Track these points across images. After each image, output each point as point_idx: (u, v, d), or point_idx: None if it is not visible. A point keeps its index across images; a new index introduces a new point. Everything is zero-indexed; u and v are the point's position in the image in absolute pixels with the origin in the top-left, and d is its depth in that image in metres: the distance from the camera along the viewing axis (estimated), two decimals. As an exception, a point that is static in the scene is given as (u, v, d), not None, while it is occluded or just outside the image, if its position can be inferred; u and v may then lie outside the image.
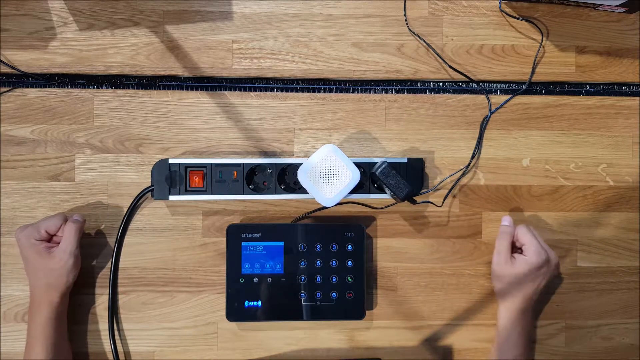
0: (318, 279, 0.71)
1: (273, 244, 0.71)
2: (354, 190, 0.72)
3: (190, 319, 0.74)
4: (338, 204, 0.70)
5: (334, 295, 0.71)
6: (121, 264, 0.73)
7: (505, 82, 0.77)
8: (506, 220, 0.72)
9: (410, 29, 0.75)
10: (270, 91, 0.75)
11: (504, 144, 0.76)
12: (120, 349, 0.73)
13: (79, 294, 0.72)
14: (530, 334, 0.74)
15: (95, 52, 0.74)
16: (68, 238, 0.67)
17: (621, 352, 0.77)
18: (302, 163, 0.69)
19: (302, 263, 0.71)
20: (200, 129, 0.74)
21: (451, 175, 0.76)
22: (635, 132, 0.77)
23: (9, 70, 0.73)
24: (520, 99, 0.77)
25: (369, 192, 0.73)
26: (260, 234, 0.71)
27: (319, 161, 0.69)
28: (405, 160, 0.74)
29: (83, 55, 0.73)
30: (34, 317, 0.67)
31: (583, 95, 0.77)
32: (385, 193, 0.72)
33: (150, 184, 0.73)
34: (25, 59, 0.73)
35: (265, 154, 0.75)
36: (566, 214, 0.76)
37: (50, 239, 0.69)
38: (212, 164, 0.72)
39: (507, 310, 0.70)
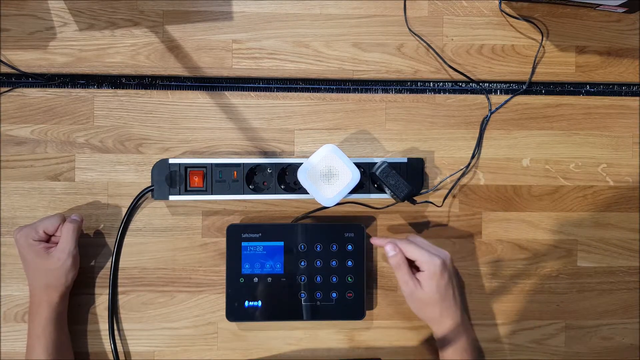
0: (318, 279, 0.71)
1: (273, 244, 0.71)
2: (354, 190, 0.72)
3: (190, 319, 0.74)
4: (338, 204, 0.70)
5: (334, 295, 0.71)
6: (121, 264, 0.73)
7: (505, 82, 0.77)
8: (390, 249, 0.67)
9: (410, 29, 0.75)
10: (270, 91, 0.75)
11: (504, 144, 0.76)
12: (120, 349, 0.73)
13: (79, 294, 0.72)
14: (475, 342, 0.74)
15: (95, 52, 0.74)
16: (66, 238, 0.67)
17: (621, 352, 0.77)
18: (302, 163, 0.69)
19: (302, 263, 0.71)
20: (200, 129, 0.74)
21: (451, 175, 0.76)
22: (635, 132, 0.77)
23: (9, 70, 0.73)
24: (520, 99, 0.77)
25: (369, 192, 0.73)
26: (260, 234, 0.71)
27: (319, 161, 0.69)
28: (405, 160, 0.74)
29: (83, 55, 0.73)
30: (34, 317, 0.67)
31: (583, 95, 0.77)
32: (385, 193, 0.72)
33: (150, 184, 0.73)
34: (25, 59, 0.73)
35: (265, 154, 0.75)
36: (566, 214, 0.76)
37: (48, 239, 0.69)
38: (212, 164, 0.72)
39: (442, 331, 0.68)
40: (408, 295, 0.68)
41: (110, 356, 0.72)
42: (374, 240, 0.71)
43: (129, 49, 0.74)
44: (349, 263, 0.72)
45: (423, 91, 0.76)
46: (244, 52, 0.75)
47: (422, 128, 0.76)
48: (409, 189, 0.70)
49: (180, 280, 0.74)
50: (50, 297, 0.67)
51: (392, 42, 0.75)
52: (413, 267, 0.68)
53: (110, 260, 0.73)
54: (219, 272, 0.74)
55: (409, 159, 0.74)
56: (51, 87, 0.73)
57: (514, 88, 0.77)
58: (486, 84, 0.77)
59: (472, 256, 0.76)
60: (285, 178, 0.73)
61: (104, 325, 0.73)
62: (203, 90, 0.75)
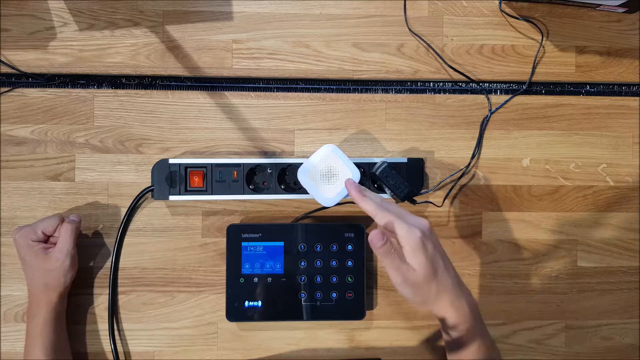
0: (318, 279, 0.71)
1: (273, 244, 0.71)
2: (354, 190, 0.72)
3: (190, 319, 0.74)
4: (338, 204, 0.70)
5: (334, 295, 0.71)
6: (121, 264, 0.73)
7: (505, 82, 0.77)
8: (376, 239, 0.56)
9: (410, 29, 0.75)
10: (270, 91, 0.75)
11: (504, 144, 0.76)
12: (120, 349, 0.73)
13: (78, 294, 0.72)
14: (476, 308, 0.62)
15: (95, 52, 0.74)
16: (64, 238, 0.67)
17: (621, 352, 0.77)
18: (302, 163, 0.69)
19: (302, 263, 0.71)
20: (200, 129, 0.74)
21: (451, 175, 0.76)
22: (635, 132, 0.77)
23: (9, 70, 0.73)
24: (520, 99, 0.77)
25: (369, 192, 0.73)
26: (260, 234, 0.71)
27: (319, 161, 0.69)
28: (405, 160, 0.74)
29: (83, 55, 0.73)
30: (33, 317, 0.67)
31: (583, 95, 0.77)
32: (385, 193, 0.72)
33: (150, 184, 0.73)
34: (25, 59, 0.73)
35: (265, 154, 0.75)
36: (566, 214, 0.76)
37: (47, 239, 0.68)
38: (212, 164, 0.72)
39: (445, 306, 0.59)
40: (401, 282, 0.58)
41: (110, 356, 0.72)
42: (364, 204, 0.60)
43: (129, 49, 0.74)
44: (349, 263, 0.72)
45: (423, 91, 0.76)
46: (244, 52, 0.75)
47: (422, 128, 0.76)
48: (409, 189, 0.70)
49: (180, 280, 0.74)
50: (49, 297, 0.67)
51: (392, 42, 0.75)
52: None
53: (110, 260, 0.73)
54: (219, 272, 0.74)
55: (409, 159, 0.74)
56: (51, 87, 0.73)
57: (514, 88, 0.77)
58: (486, 84, 0.77)
59: (472, 256, 0.76)
60: (285, 178, 0.73)
61: (103, 325, 0.73)
62: (203, 90, 0.75)
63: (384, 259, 0.58)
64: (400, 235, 0.58)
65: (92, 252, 0.73)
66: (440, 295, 0.59)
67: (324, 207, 0.73)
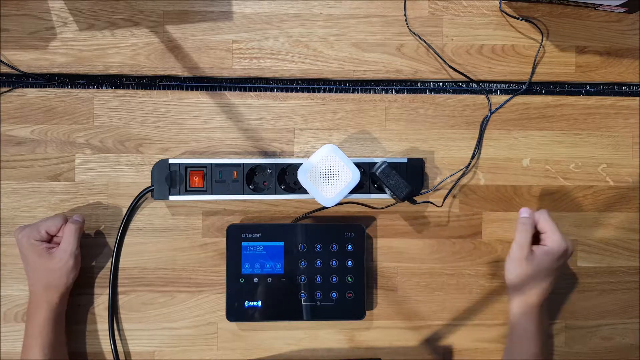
0: (318, 279, 0.71)
1: (273, 244, 0.71)
2: (354, 190, 0.72)
3: (190, 319, 0.74)
4: (338, 204, 0.70)
5: (334, 295, 0.71)
6: (121, 264, 0.73)
7: (505, 82, 0.77)
8: (525, 212, 0.68)
9: (410, 29, 0.75)
10: (270, 91, 0.75)
11: (504, 144, 0.76)
12: (120, 349, 0.73)
13: (78, 294, 0.72)
14: (546, 329, 0.73)
15: (95, 52, 0.74)
16: (68, 238, 0.67)
17: (621, 352, 0.77)
18: (302, 163, 0.69)
19: (302, 263, 0.71)
20: (200, 129, 0.74)
21: (451, 175, 0.76)
22: (635, 132, 0.77)
23: (9, 70, 0.73)
24: (520, 99, 0.77)
25: (369, 192, 0.73)
26: (260, 234, 0.71)
27: (319, 161, 0.69)
28: (405, 160, 0.74)
29: (83, 55, 0.73)
30: (33, 317, 0.67)
31: (583, 95, 0.77)
32: (385, 193, 0.72)
33: (150, 184, 0.73)
34: (25, 59, 0.73)
35: (265, 154, 0.75)
36: (566, 214, 0.76)
37: (50, 239, 0.69)
38: (212, 164, 0.72)
39: (520, 307, 0.68)
40: (514, 259, 0.67)
41: (110, 356, 0.72)
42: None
43: (129, 49, 0.74)
44: (349, 263, 0.72)
45: (423, 91, 0.76)
46: (244, 52, 0.75)
47: (422, 128, 0.76)
48: (409, 189, 0.70)
49: (180, 280, 0.74)
50: (50, 297, 0.67)
51: (392, 42, 0.75)
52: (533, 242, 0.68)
53: (110, 260, 0.73)
54: (219, 272, 0.74)
55: (409, 159, 0.74)
56: (51, 87, 0.73)
57: (514, 88, 0.77)
58: (486, 84, 0.77)
59: (472, 256, 0.76)
60: (285, 178, 0.73)
61: (104, 326, 0.73)
62: (203, 90, 0.75)
63: (519, 230, 0.67)
64: (552, 237, 0.66)
65: (92, 252, 0.73)
66: (530, 292, 0.67)
67: (324, 207, 0.73)
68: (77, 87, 0.74)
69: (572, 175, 0.77)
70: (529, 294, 0.67)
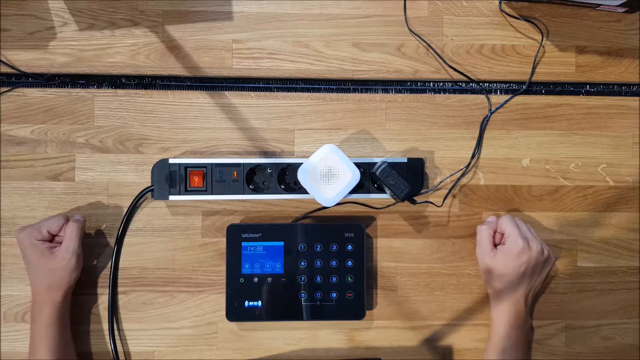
0: (318, 279, 0.71)
1: (273, 244, 0.71)
2: (354, 190, 0.72)
3: (190, 319, 0.74)
4: (338, 204, 0.70)
5: (334, 295, 0.71)
6: (121, 264, 0.73)
7: (505, 82, 0.77)
8: (490, 218, 0.73)
9: (410, 29, 0.75)
10: (270, 91, 0.75)
11: (504, 144, 0.76)
12: (120, 349, 0.73)
13: (79, 294, 0.72)
14: (529, 336, 0.74)
15: (95, 52, 0.74)
16: (70, 237, 0.67)
17: (621, 352, 0.77)
18: (302, 163, 0.69)
19: (302, 263, 0.71)
20: (200, 129, 0.74)
21: (451, 175, 0.76)
22: (635, 132, 0.77)
23: (9, 70, 0.73)
24: (520, 99, 0.77)
25: (369, 192, 0.73)
26: (260, 234, 0.71)
27: (319, 161, 0.69)
28: (405, 160, 0.74)
29: (83, 55, 0.74)
30: (37, 317, 0.67)
31: (583, 95, 0.77)
32: (385, 193, 0.72)
33: (150, 184, 0.73)
34: (25, 59, 0.73)
35: (265, 154, 0.75)
36: (566, 214, 0.76)
37: (52, 239, 0.69)
38: (212, 164, 0.72)
39: (500, 315, 0.69)
40: (478, 257, 0.71)
41: (110, 356, 0.72)
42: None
43: (129, 49, 0.74)
44: (349, 263, 0.72)
45: (423, 91, 0.76)
46: (244, 52, 0.75)
47: (422, 128, 0.76)
48: (409, 189, 0.70)
49: (180, 280, 0.74)
50: (53, 297, 0.67)
51: (392, 42, 0.75)
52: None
53: (110, 260, 0.73)
54: (219, 272, 0.74)
55: (409, 159, 0.74)
56: (51, 87, 0.73)
57: (514, 88, 0.77)
58: (486, 84, 0.77)
59: (472, 256, 0.76)
60: (285, 178, 0.73)
61: (104, 325, 0.73)
62: (203, 90, 0.75)
63: (479, 231, 0.71)
64: (508, 236, 0.69)
65: (92, 252, 0.73)
66: (507, 298, 0.69)
67: (324, 207, 0.73)
68: (77, 87, 0.74)
69: (572, 175, 0.77)
70: (504, 301, 0.69)
